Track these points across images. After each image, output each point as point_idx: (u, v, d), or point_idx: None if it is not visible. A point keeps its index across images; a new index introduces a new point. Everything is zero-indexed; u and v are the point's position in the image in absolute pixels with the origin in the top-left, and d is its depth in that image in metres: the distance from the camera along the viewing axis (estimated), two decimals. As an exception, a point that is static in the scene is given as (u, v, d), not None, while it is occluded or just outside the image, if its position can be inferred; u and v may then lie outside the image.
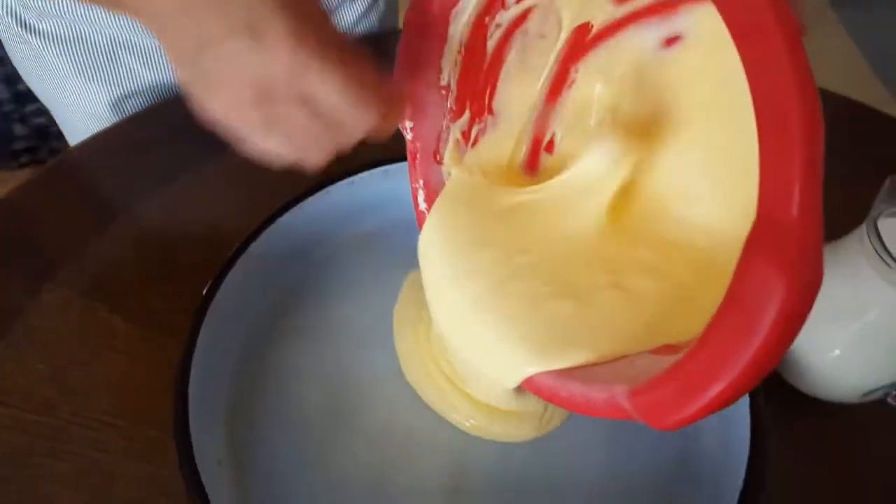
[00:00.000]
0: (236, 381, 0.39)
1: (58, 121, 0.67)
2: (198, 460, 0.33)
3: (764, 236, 0.22)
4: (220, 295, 0.38)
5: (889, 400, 0.38)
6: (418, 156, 0.38)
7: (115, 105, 0.59)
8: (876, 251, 0.33)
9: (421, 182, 0.38)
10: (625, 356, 0.30)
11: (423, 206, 0.39)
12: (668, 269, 0.32)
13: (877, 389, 0.37)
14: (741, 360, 0.22)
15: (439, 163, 0.38)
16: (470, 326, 0.34)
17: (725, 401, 0.23)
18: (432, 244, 0.37)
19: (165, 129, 0.55)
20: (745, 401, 0.36)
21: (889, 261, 0.32)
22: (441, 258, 0.36)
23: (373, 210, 0.46)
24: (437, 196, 0.38)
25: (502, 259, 0.34)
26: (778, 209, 0.21)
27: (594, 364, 0.30)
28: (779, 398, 0.37)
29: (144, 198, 0.50)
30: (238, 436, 0.37)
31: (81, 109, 0.61)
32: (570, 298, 0.32)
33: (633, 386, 0.26)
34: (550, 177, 0.37)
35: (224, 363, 0.39)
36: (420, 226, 0.38)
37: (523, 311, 0.32)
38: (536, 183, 0.37)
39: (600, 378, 0.29)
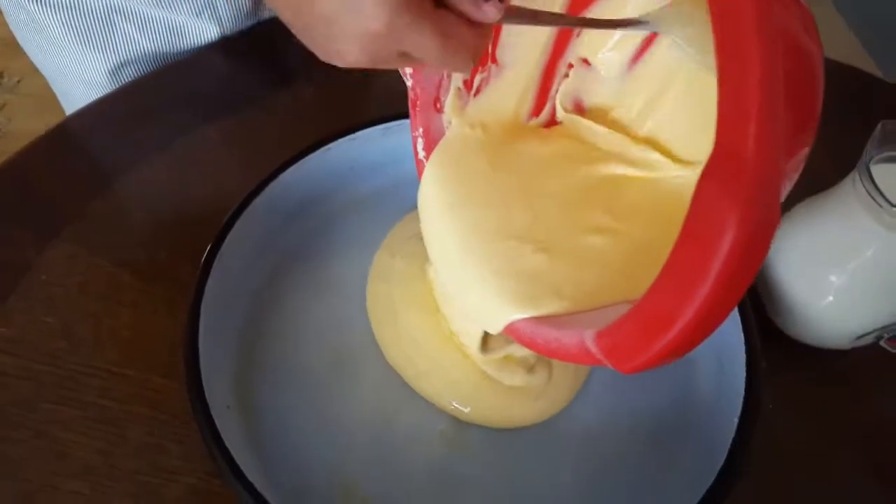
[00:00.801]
0: (243, 332, 0.40)
1: (56, 91, 0.68)
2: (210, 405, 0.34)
3: (719, 168, 0.21)
4: (225, 247, 0.39)
5: (881, 343, 0.39)
6: (418, 103, 0.38)
7: (113, 73, 0.60)
8: (869, 193, 0.34)
9: (420, 130, 0.38)
10: (605, 306, 0.31)
11: (422, 154, 0.39)
12: (637, 224, 0.33)
13: (869, 333, 0.38)
14: (695, 300, 0.22)
15: (440, 111, 0.38)
16: (462, 275, 0.35)
17: (685, 342, 0.23)
18: (429, 195, 0.37)
19: (164, 95, 0.55)
20: (740, 349, 0.37)
21: (882, 201, 0.33)
22: (437, 209, 0.36)
23: (374, 168, 0.46)
24: (436, 145, 0.38)
25: (492, 213, 0.35)
26: (734, 140, 0.21)
27: (572, 313, 0.31)
28: (772, 346, 0.37)
29: (145, 161, 0.50)
30: (246, 383, 0.38)
31: (80, 78, 0.61)
32: (546, 251, 0.33)
33: (599, 329, 0.27)
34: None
35: (230, 313, 0.39)
36: (420, 175, 0.39)
37: (507, 263, 0.33)
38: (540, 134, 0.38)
39: (576, 325, 0.29)
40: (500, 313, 0.32)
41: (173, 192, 0.48)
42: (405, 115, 0.44)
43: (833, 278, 0.38)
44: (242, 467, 0.32)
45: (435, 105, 0.38)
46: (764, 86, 0.20)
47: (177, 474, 0.36)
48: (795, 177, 0.26)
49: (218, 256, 0.38)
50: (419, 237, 0.41)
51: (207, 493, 0.36)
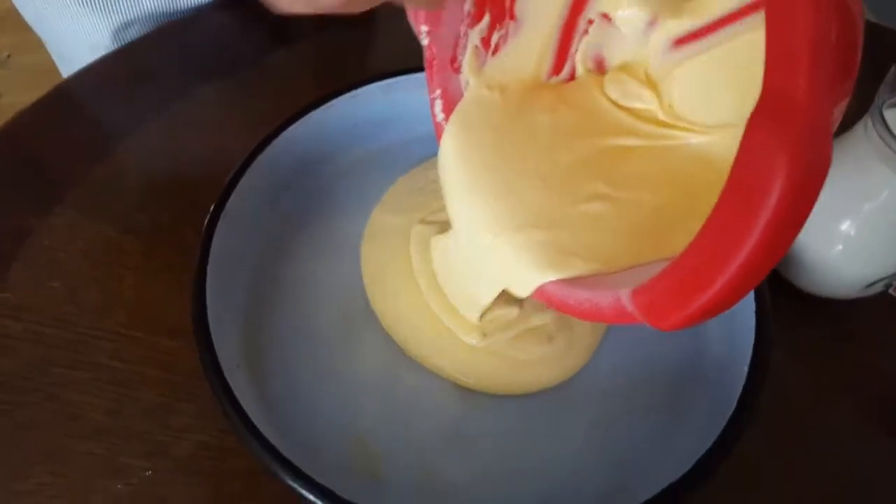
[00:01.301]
0: (249, 292, 0.40)
1: (55, 56, 0.67)
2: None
3: (768, 112, 0.20)
4: (229, 207, 0.39)
5: (890, 291, 0.39)
6: (435, 63, 0.37)
7: (116, 34, 0.59)
8: (882, 139, 0.33)
9: (438, 91, 0.37)
10: (639, 265, 0.30)
11: (440, 116, 0.38)
12: (670, 183, 0.33)
13: (878, 281, 0.38)
14: (743, 249, 0.21)
15: (457, 71, 0.37)
16: (488, 235, 0.34)
17: (728, 296, 0.22)
18: (449, 161, 0.36)
19: (162, 56, 0.55)
20: (749, 302, 0.37)
21: (895, 145, 0.33)
22: (458, 172, 0.36)
23: (378, 126, 0.46)
24: (454, 106, 0.37)
25: (514, 174, 0.35)
26: (784, 82, 0.20)
27: (604, 273, 0.31)
28: (781, 299, 0.37)
29: (145, 123, 0.50)
30: (254, 342, 0.38)
31: (83, 41, 0.60)
32: (573, 211, 0.33)
33: (635, 286, 0.26)
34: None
35: (236, 272, 0.39)
36: (438, 137, 0.38)
37: (532, 225, 0.33)
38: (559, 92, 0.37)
39: (610, 284, 0.29)
40: (530, 277, 0.32)
41: (174, 155, 0.48)
42: (407, 72, 0.44)
43: (843, 227, 0.37)
44: (254, 420, 0.32)
45: (452, 65, 0.37)
46: (816, 25, 0.19)
47: (188, 432, 0.37)
48: (834, 129, 0.25)
49: (222, 216, 0.38)
50: (417, 191, 0.41)
51: (219, 450, 0.36)
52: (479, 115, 0.37)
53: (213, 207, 0.38)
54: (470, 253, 0.36)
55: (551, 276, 0.31)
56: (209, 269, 0.36)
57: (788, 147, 0.20)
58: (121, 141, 0.49)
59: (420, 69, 0.43)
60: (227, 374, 0.33)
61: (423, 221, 0.41)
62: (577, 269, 0.31)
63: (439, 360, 0.38)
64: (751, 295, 0.37)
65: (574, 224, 0.33)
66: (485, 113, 0.37)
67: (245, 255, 0.40)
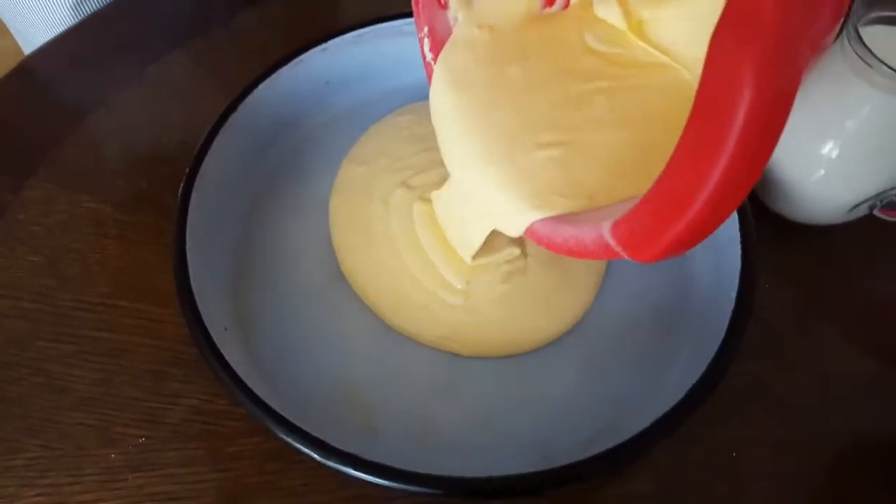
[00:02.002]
0: (232, 254, 0.39)
1: (20, 41, 0.65)
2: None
3: (732, 24, 0.19)
4: (205, 167, 0.38)
5: (875, 212, 0.39)
6: (421, 1, 0.36)
7: (76, 6, 0.58)
8: (858, 55, 0.33)
9: (425, 30, 0.36)
10: (620, 201, 0.30)
11: (429, 56, 0.37)
12: (657, 119, 0.32)
13: (863, 202, 0.37)
14: (715, 171, 0.20)
15: (444, 7, 0.36)
16: (478, 179, 0.34)
17: (703, 225, 0.22)
18: (439, 101, 0.35)
19: (128, 23, 0.53)
20: (735, 231, 0.37)
21: (872, 61, 0.32)
22: (448, 116, 0.35)
23: (351, 81, 0.45)
24: (442, 46, 0.36)
25: (497, 122, 0.34)
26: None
27: (587, 210, 0.30)
28: (763, 225, 0.37)
29: (116, 92, 0.49)
30: (240, 304, 0.38)
31: (44, 18, 0.59)
32: (559, 148, 0.32)
33: (615, 219, 0.26)
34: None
35: (218, 234, 0.38)
36: (429, 78, 0.37)
37: (517, 168, 0.32)
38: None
39: (595, 220, 0.29)
40: (520, 216, 0.31)
41: (148, 121, 0.47)
42: (377, 22, 0.43)
43: (824, 150, 0.37)
44: (245, 380, 0.32)
45: (439, 1, 0.36)
46: None
47: (179, 397, 0.36)
48: (818, 57, 0.24)
49: (197, 180, 0.38)
50: (387, 138, 0.39)
51: (211, 413, 0.36)
52: (463, 60, 0.36)
53: (187, 172, 0.37)
54: (469, 192, 0.36)
55: (538, 215, 0.31)
56: (188, 233, 0.36)
57: (755, 60, 0.19)
58: (94, 111, 0.48)
59: (391, 18, 0.43)
60: (215, 338, 0.33)
61: (388, 170, 0.40)
62: (562, 207, 0.30)
63: (418, 330, 0.38)
64: (735, 224, 0.36)
65: (541, 170, 0.32)
66: (469, 57, 0.36)
67: (225, 218, 0.39)
